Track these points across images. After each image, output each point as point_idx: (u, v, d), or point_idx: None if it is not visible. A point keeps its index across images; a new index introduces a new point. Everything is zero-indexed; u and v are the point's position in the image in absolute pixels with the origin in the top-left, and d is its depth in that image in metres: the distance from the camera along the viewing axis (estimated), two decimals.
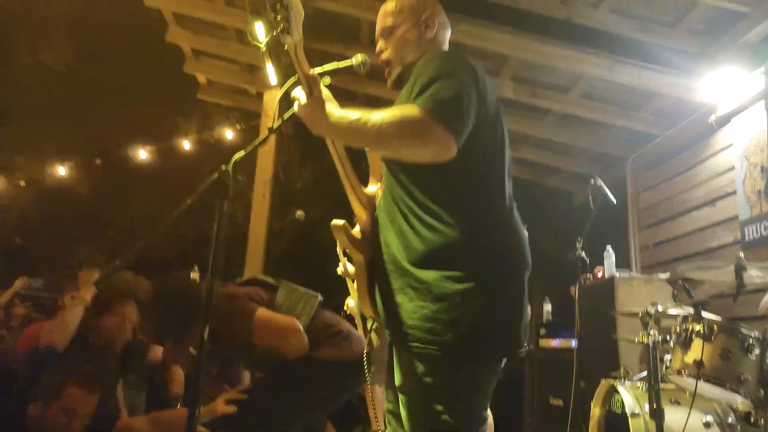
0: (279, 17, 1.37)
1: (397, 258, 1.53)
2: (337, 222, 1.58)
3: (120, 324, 2.90)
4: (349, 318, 4.37)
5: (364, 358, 2.31)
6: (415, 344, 1.48)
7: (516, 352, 1.53)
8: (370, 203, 1.70)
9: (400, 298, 1.52)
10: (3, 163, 9.67)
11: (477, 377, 1.50)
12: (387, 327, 1.61)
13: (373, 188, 1.77)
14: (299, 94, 1.50)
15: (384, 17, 1.78)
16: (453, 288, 1.46)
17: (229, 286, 2.57)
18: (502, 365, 1.55)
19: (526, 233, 1.63)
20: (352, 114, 1.44)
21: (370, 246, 1.64)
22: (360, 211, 1.68)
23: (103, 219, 10.94)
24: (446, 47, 1.82)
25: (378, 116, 1.41)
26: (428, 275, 1.48)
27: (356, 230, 1.68)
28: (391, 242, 1.56)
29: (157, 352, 3.15)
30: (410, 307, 1.49)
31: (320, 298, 2.58)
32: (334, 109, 1.47)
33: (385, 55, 1.77)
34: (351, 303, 4.26)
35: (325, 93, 1.50)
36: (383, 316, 1.59)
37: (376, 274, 1.62)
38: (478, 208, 1.54)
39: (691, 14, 4.11)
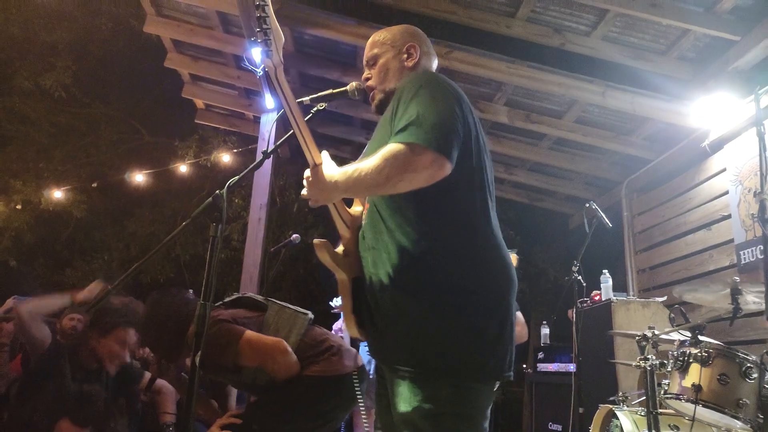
0: (258, 40, 1.41)
1: (384, 280, 1.54)
2: (318, 241, 1.59)
3: (120, 349, 2.90)
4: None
5: (354, 375, 2.29)
6: (409, 369, 1.47)
7: (508, 373, 1.52)
8: (353, 223, 1.71)
9: (389, 322, 1.52)
10: (0, 186, 9.67)
11: (476, 399, 1.49)
12: (377, 351, 1.60)
13: (357, 208, 1.76)
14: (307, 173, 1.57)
15: (370, 47, 1.85)
16: (442, 310, 1.47)
17: (218, 307, 2.56)
18: (496, 386, 1.55)
19: (509, 254, 1.63)
20: (346, 172, 1.49)
21: (354, 265, 1.65)
22: (343, 230, 1.69)
23: (99, 242, 10.90)
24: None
25: (367, 165, 1.46)
26: (417, 298, 1.49)
27: (339, 249, 1.68)
28: (378, 263, 1.57)
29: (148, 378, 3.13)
30: (401, 331, 1.49)
31: (310, 315, 2.56)
32: (331, 173, 1.51)
33: (369, 83, 1.83)
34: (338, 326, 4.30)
35: (326, 158, 1.55)
36: (374, 340, 1.59)
37: (362, 294, 1.62)
38: (464, 229, 1.55)
39: (682, 42, 4.19)
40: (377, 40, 1.85)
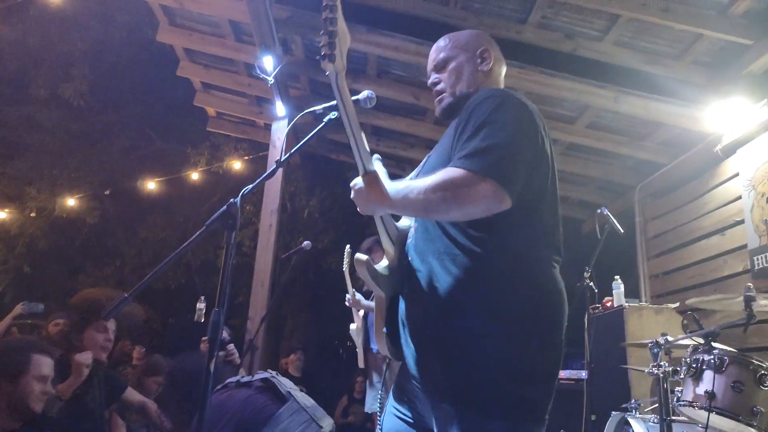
0: (321, 43, 1.33)
1: (431, 304, 1.45)
2: (361, 257, 1.48)
3: (104, 339, 2.96)
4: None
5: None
6: (458, 404, 1.37)
7: (548, 408, 1.42)
8: (399, 239, 1.62)
9: (435, 350, 1.42)
10: (15, 193, 9.79)
11: None
12: (422, 380, 1.48)
13: (405, 223, 1.69)
14: (357, 180, 1.49)
15: (437, 51, 1.77)
16: (488, 340, 1.37)
17: (245, 384, 2.45)
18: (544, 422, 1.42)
19: (563, 284, 1.54)
20: (399, 187, 1.42)
21: (395, 283, 1.56)
22: (388, 246, 1.59)
23: (111, 248, 10.99)
24: (501, 83, 1.78)
25: (423, 185, 1.38)
26: (462, 324, 1.39)
27: (382, 265, 1.58)
28: (424, 285, 1.47)
29: (133, 394, 3.12)
30: (450, 362, 1.39)
31: (326, 430, 2.39)
32: (384, 187, 1.44)
33: (439, 87, 1.74)
34: (353, 327, 4.29)
35: (380, 172, 1.48)
36: (415, 365, 1.48)
37: (399, 313, 1.54)
38: (523, 257, 1.45)
39: (696, 46, 4.16)
40: (445, 45, 1.76)
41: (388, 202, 1.43)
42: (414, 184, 1.41)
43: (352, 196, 1.49)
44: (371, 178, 1.45)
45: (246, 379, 2.49)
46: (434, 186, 1.36)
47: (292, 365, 6.70)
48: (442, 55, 1.75)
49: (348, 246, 3.93)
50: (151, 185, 8.64)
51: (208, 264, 9.94)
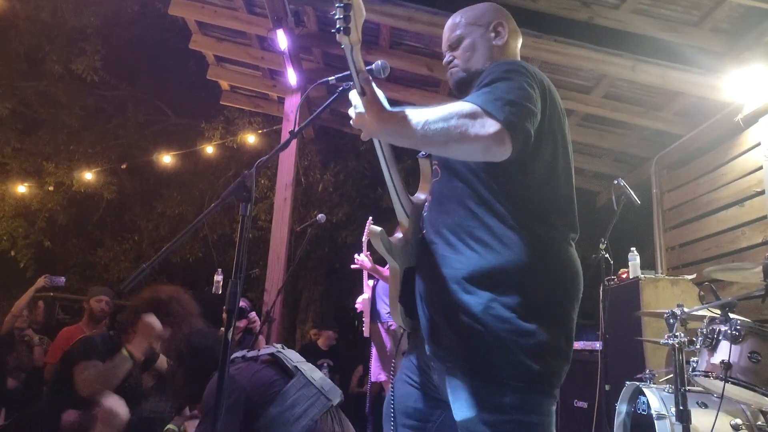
0: (337, 16, 1.32)
1: (443, 277, 1.45)
2: (375, 229, 1.52)
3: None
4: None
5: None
6: (471, 373, 1.40)
7: (559, 384, 1.43)
8: (414, 211, 1.63)
9: (448, 322, 1.43)
10: (33, 168, 9.91)
11: (539, 407, 1.40)
12: (434, 350, 1.51)
13: (420, 196, 1.69)
14: (356, 101, 1.45)
15: (451, 29, 1.74)
16: (502, 313, 1.38)
17: (251, 359, 2.45)
18: (555, 398, 1.43)
19: (578, 260, 1.54)
20: (402, 111, 1.39)
21: (410, 255, 1.58)
22: (402, 218, 1.61)
23: (129, 222, 11.14)
24: (518, 56, 1.75)
25: (427, 112, 1.35)
26: (477, 297, 1.40)
27: (397, 237, 1.59)
28: (437, 258, 1.48)
29: (163, 362, 3.16)
30: (454, 329, 1.41)
31: (333, 402, 2.41)
32: (384, 108, 1.42)
33: (453, 64, 1.72)
34: (365, 298, 4.35)
35: (378, 93, 1.45)
36: (429, 336, 1.50)
37: (414, 285, 1.56)
38: (538, 230, 1.45)
39: (716, 13, 4.06)
40: (458, 22, 1.73)
41: (389, 123, 1.39)
42: (417, 110, 1.37)
43: (352, 121, 1.46)
44: (370, 96, 1.42)
45: (252, 353, 2.49)
46: (440, 116, 1.33)
47: (324, 340, 6.71)
48: (456, 33, 1.72)
49: (370, 218, 3.97)
50: (167, 159, 8.69)
51: (225, 237, 10.04)
